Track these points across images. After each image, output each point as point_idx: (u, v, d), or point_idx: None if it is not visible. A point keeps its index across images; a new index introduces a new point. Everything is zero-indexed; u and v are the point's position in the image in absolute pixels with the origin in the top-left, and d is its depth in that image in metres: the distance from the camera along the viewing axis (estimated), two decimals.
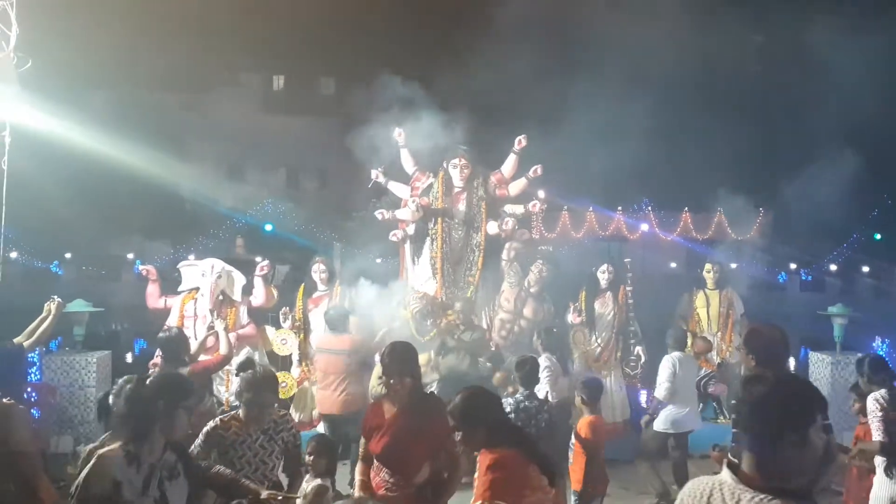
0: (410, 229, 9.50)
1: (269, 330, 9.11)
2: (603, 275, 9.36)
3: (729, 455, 4.12)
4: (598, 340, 9.24)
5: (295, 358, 9.01)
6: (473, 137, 9.34)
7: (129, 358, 15.31)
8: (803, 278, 30.81)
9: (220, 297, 8.67)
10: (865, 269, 30.07)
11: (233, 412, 4.62)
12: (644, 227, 27.18)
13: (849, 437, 5.69)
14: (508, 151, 9.47)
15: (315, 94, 39.15)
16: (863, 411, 5.55)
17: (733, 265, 11.51)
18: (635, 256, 11.09)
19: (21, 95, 6.51)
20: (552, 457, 3.96)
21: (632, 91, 11.85)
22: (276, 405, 4.77)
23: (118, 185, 22.84)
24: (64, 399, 8.67)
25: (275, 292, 9.28)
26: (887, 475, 5.24)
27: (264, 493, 3.98)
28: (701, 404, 9.03)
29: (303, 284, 9.33)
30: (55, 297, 7.73)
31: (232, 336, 7.65)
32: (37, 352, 8.67)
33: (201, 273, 8.73)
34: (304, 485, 5.43)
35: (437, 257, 9.29)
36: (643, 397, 9.21)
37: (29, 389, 8.09)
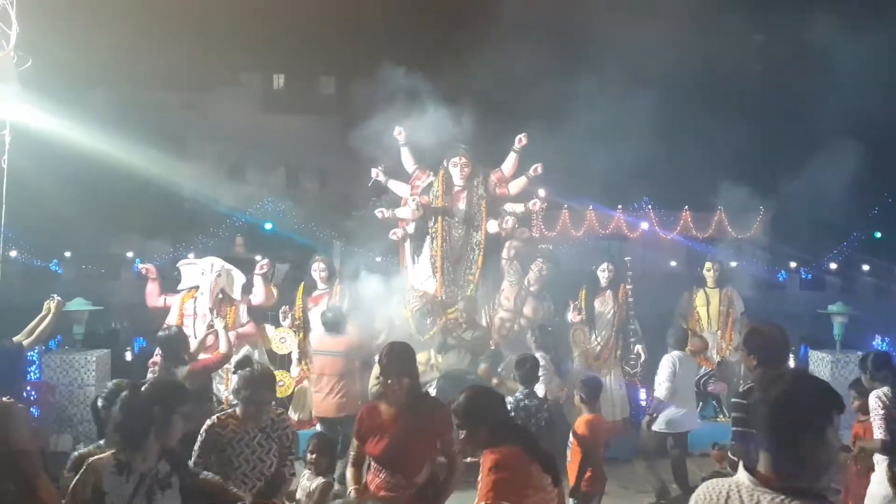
0: (410, 228, 9.49)
1: (269, 328, 9.11)
2: (603, 273, 9.36)
3: (729, 454, 4.13)
4: (598, 339, 9.24)
5: (294, 357, 9.00)
6: (473, 136, 9.33)
7: (128, 356, 15.29)
8: (803, 277, 30.82)
9: (220, 296, 8.67)
10: (866, 267, 30.08)
11: (230, 410, 4.61)
12: (644, 225, 27.19)
13: (847, 436, 5.68)
14: (509, 150, 9.47)
15: (315, 94, 39.14)
16: (862, 409, 5.55)
17: (733, 264, 11.50)
18: (635, 255, 11.08)
19: (21, 94, 6.50)
20: (553, 455, 3.96)
21: (632, 90, 11.83)
22: (273, 403, 4.76)
23: (118, 184, 22.82)
24: (63, 398, 8.67)
25: (274, 291, 9.28)
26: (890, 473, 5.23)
27: (248, 501, 3.98)
28: (701, 403, 9.05)
29: (302, 283, 9.32)
30: (55, 295, 7.73)
31: (231, 335, 7.66)
32: (36, 350, 8.67)
33: (201, 272, 8.72)
34: (305, 482, 5.44)
35: (437, 256, 9.29)
36: (643, 396, 9.21)
37: (28, 388, 8.10)
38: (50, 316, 7.51)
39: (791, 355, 8.08)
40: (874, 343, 14.21)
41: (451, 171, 9.40)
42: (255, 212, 28.53)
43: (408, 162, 9.54)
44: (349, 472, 4.46)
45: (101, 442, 4.07)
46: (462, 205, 9.36)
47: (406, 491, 4.27)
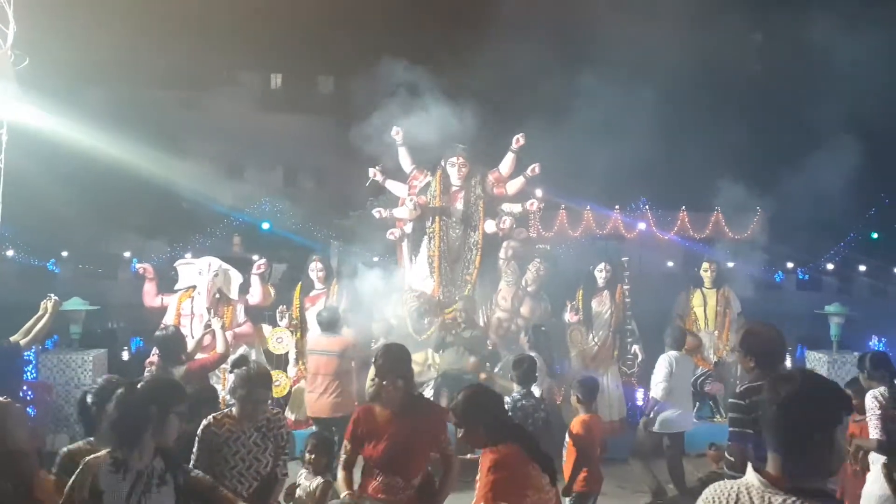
0: (408, 228, 9.49)
1: (266, 328, 9.10)
2: (600, 273, 9.36)
3: (726, 454, 4.13)
4: (595, 339, 9.24)
5: (292, 357, 9.00)
6: (471, 136, 9.34)
7: (125, 356, 15.29)
8: (800, 277, 30.87)
9: (217, 296, 8.66)
10: (862, 268, 30.12)
11: (226, 410, 4.61)
12: (641, 225, 27.21)
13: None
14: (506, 150, 9.47)
15: (313, 93, 39.17)
16: (859, 408, 5.55)
17: (730, 264, 11.51)
18: (633, 255, 11.09)
19: (18, 93, 6.50)
20: (551, 456, 3.97)
21: (630, 90, 11.86)
22: (269, 402, 4.76)
23: (115, 184, 22.82)
24: (60, 397, 8.66)
25: (272, 291, 9.27)
26: (887, 473, 5.24)
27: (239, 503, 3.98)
28: (697, 403, 9.06)
29: (300, 283, 9.30)
30: (52, 295, 7.72)
31: (229, 334, 7.65)
32: (33, 350, 8.65)
33: (198, 271, 8.71)
34: (305, 482, 5.44)
35: (435, 256, 9.29)
36: (640, 396, 9.22)
37: (25, 387, 8.07)
38: (47, 315, 7.50)
39: (788, 356, 8.09)
40: (871, 343, 14.21)
41: (449, 170, 9.40)
42: (252, 211, 28.55)
43: (405, 162, 9.54)
44: (340, 476, 4.42)
45: (91, 439, 4.06)
46: (460, 205, 9.36)
47: (404, 492, 4.27)
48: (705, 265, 10.01)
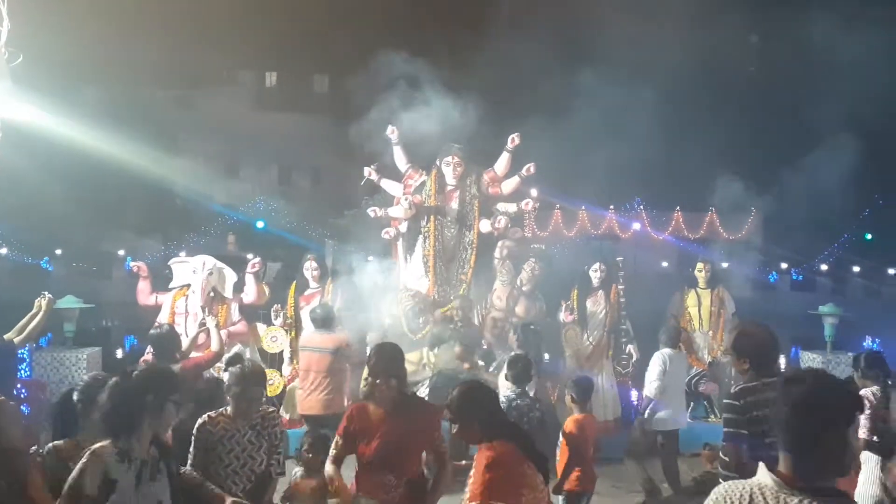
0: (403, 227, 9.49)
1: (261, 327, 9.08)
2: (595, 273, 9.37)
3: (720, 454, 4.13)
4: (590, 339, 9.25)
5: (286, 355, 8.98)
6: (466, 135, 9.33)
7: (119, 354, 15.24)
8: (794, 278, 30.92)
9: (212, 294, 8.65)
10: (856, 269, 30.19)
11: (221, 409, 4.61)
12: (636, 226, 27.18)
13: None
14: (501, 149, 9.47)
15: (308, 92, 39.12)
16: None
17: (725, 264, 11.53)
18: (627, 255, 11.07)
19: (13, 91, 6.48)
20: (545, 455, 3.97)
21: (625, 91, 11.86)
22: (263, 400, 4.76)
23: (109, 182, 22.78)
24: (54, 396, 8.62)
25: (266, 289, 9.26)
26: (880, 472, 5.26)
27: (229, 501, 3.98)
28: (692, 403, 9.07)
29: (294, 282, 9.30)
30: (46, 293, 7.71)
31: (223, 333, 7.64)
32: (27, 348, 8.64)
33: (192, 270, 8.69)
34: (301, 481, 5.44)
35: (430, 255, 9.29)
36: (634, 396, 9.23)
37: (19, 385, 8.05)
38: (41, 313, 7.48)
39: (782, 356, 8.10)
40: (865, 344, 14.25)
41: (444, 170, 9.40)
42: (247, 210, 28.48)
43: (400, 161, 9.54)
44: (330, 469, 4.42)
45: (77, 436, 4.05)
46: (455, 204, 9.36)
47: (396, 490, 4.27)
48: (700, 265, 10.02)
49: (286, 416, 8.56)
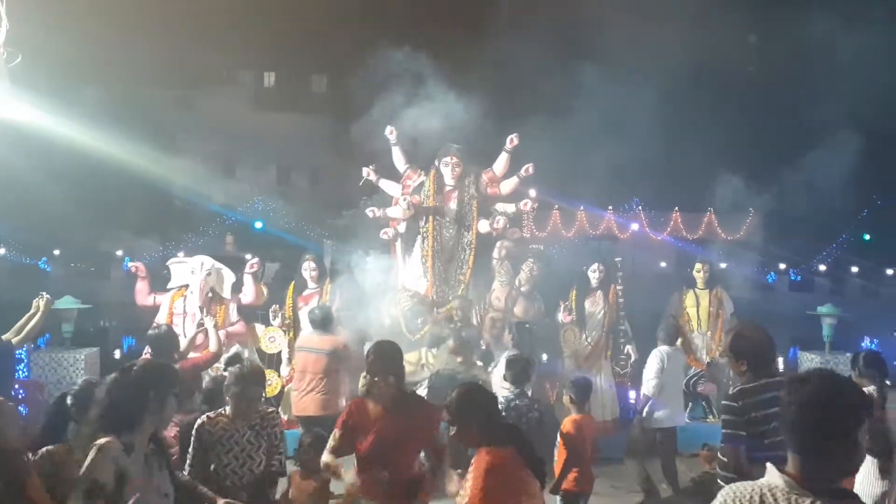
0: (401, 227, 9.49)
1: (259, 327, 9.08)
2: (593, 274, 9.37)
3: (719, 454, 4.13)
4: (589, 339, 9.25)
5: (284, 356, 8.97)
6: (465, 135, 9.33)
7: (117, 355, 15.23)
8: (793, 278, 30.93)
9: (210, 295, 8.64)
10: (854, 269, 30.20)
11: (220, 409, 4.61)
12: (634, 226, 27.16)
13: None
14: (500, 149, 9.47)
15: (307, 92, 39.12)
16: None
17: (723, 265, 11.52)
18: (626, 255, 11.09)
19: (11, 91, 6.48)
20: (542, 457, 3.96)
21: (623, 91, 11.87)
22: (262, 400, 4.76)
23: (108, 182, 22.74)
24: (52, 396, 8.61)
25: (264, 290, 9.25)
26: (880, 475, 5.25)
27: (221, 503, 3.97)
28: (690, 403, 9.07)
29: (293, 282, 9.29)
30: (44, 293, 7.70)
31: (221, 333, 7.63)
32: (25, 348, 8.62)
33: (191, 270, 8.69)
34: (301, 481, 5.44)
35: (429, 255, 9.29)
36: (633, 396, 9.23)
37: (17, 386, 8.04)
38: (39, 314, 7.47)
39: (779, 356, 8.10)
40: (863, 344, 14.28)
41: (443, 170, 9.40)
42: (245, 210, 28.45)
43: (399, 161, 9.54)
44: (326, 458, 4.42)
45: (69, 441, 4.04)
46: (453, 204, 9.36)
47: (395, 488, 4.28)
48: (698, 266, 10.03)
49: (284, 417, 8.54)
